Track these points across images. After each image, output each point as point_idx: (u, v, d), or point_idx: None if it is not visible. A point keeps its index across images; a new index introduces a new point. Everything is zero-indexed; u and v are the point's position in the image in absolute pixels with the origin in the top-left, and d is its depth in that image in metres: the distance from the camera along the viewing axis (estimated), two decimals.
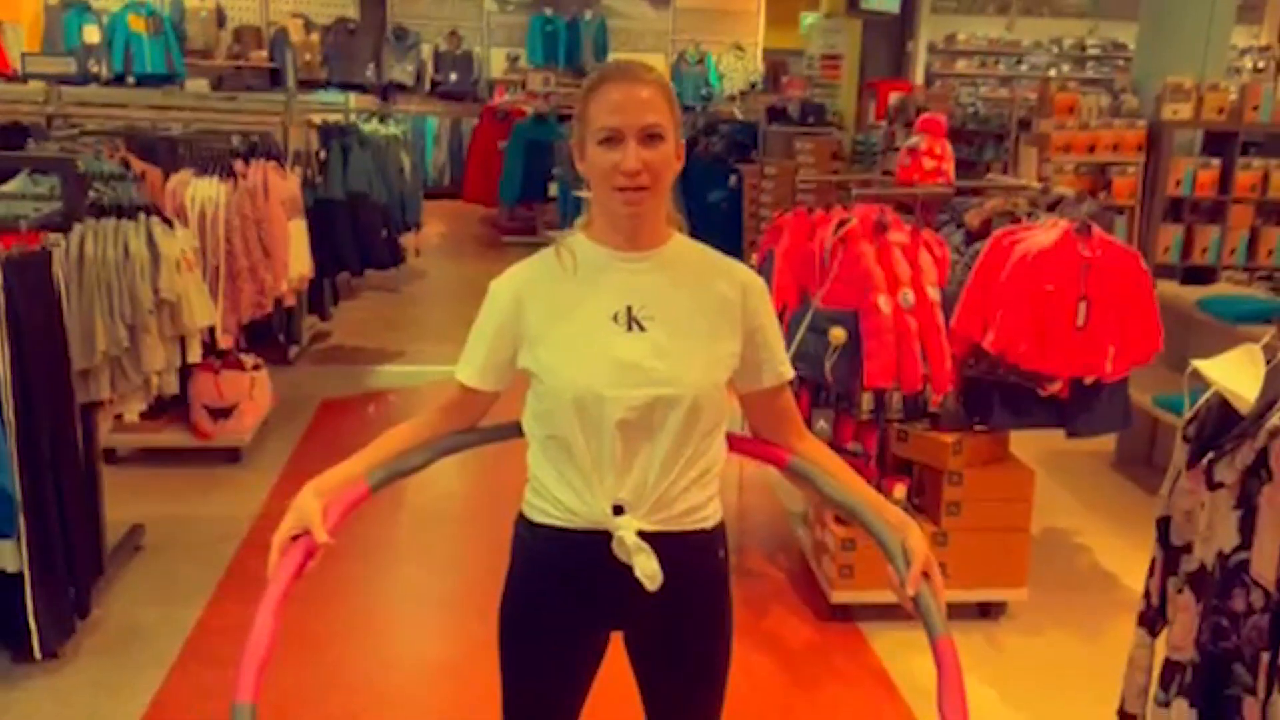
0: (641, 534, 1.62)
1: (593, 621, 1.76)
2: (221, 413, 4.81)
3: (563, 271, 1.69)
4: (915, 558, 1.63)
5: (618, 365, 1.62)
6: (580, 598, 1.71)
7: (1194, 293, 4.62)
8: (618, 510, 1.64)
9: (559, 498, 1.68)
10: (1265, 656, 1.82)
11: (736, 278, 1.72)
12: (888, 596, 3.85)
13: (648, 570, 1.61)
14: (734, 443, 1.79)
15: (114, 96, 7.69)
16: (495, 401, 1.78)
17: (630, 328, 1.64)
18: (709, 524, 1.73)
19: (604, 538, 1.63)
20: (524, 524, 1.75)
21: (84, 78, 10.11)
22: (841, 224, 3.33)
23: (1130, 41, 12.05)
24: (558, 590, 1.72)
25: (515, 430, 1.78)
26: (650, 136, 1.58)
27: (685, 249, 1.73)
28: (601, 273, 1.67)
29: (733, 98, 12.49)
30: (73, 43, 10.70)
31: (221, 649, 3.23)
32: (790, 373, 1.78)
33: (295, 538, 1.57)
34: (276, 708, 2.98)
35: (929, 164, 3.73)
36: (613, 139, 1.58)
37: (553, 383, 1.64)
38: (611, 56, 13.45)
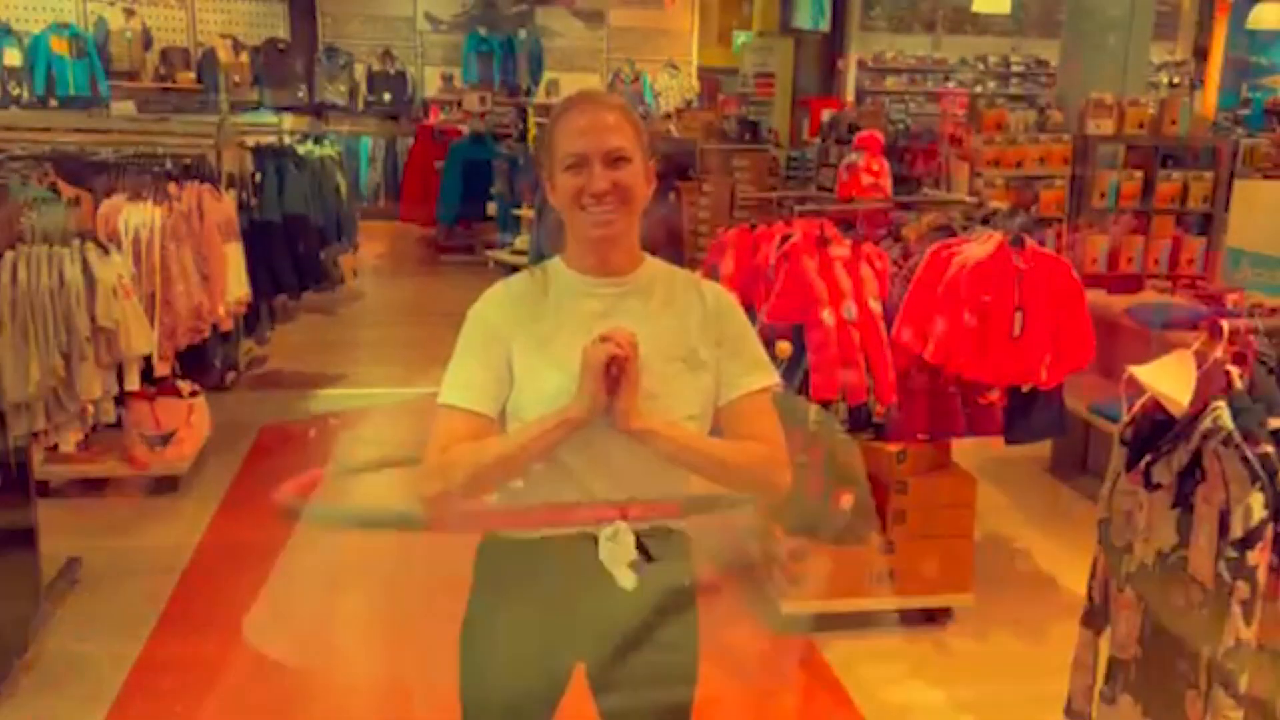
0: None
1: (561, 643, 1.69)
2: (158, 440, 4.70)
3: (534, 288, 1.67)
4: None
5: None
6: (550, 614, 1.66)
7: (1122, 301, 4.76)
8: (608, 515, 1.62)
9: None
10: (1205, 651, 1.88)
11: (705, 293, 1.74)
12: (839, 606, 3.87)
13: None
14: None
15: (40, 120, 7.51)
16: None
17: None
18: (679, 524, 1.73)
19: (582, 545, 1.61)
20: (489, 540, 1.72)
21: (4, 101, 9.88)
22: (784, 239, 3.39)
23: (1052, 58, 12.40)
24: (527, 607, 1.67)
25: None
26: (616, 159, 1.58)
27: (657, 270, 1.72)
28: (576, 298, 1.65)
29: (668, 115, 12.57)
30: None
31: (165, 682, 3.16)
32: (759, 383, 1.70)
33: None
34: None
35: (866, 180, 3.81)
36: (578, 164, 1.58)
37: (533, 388, 1.60)
38: (547, 76, 13.46)
